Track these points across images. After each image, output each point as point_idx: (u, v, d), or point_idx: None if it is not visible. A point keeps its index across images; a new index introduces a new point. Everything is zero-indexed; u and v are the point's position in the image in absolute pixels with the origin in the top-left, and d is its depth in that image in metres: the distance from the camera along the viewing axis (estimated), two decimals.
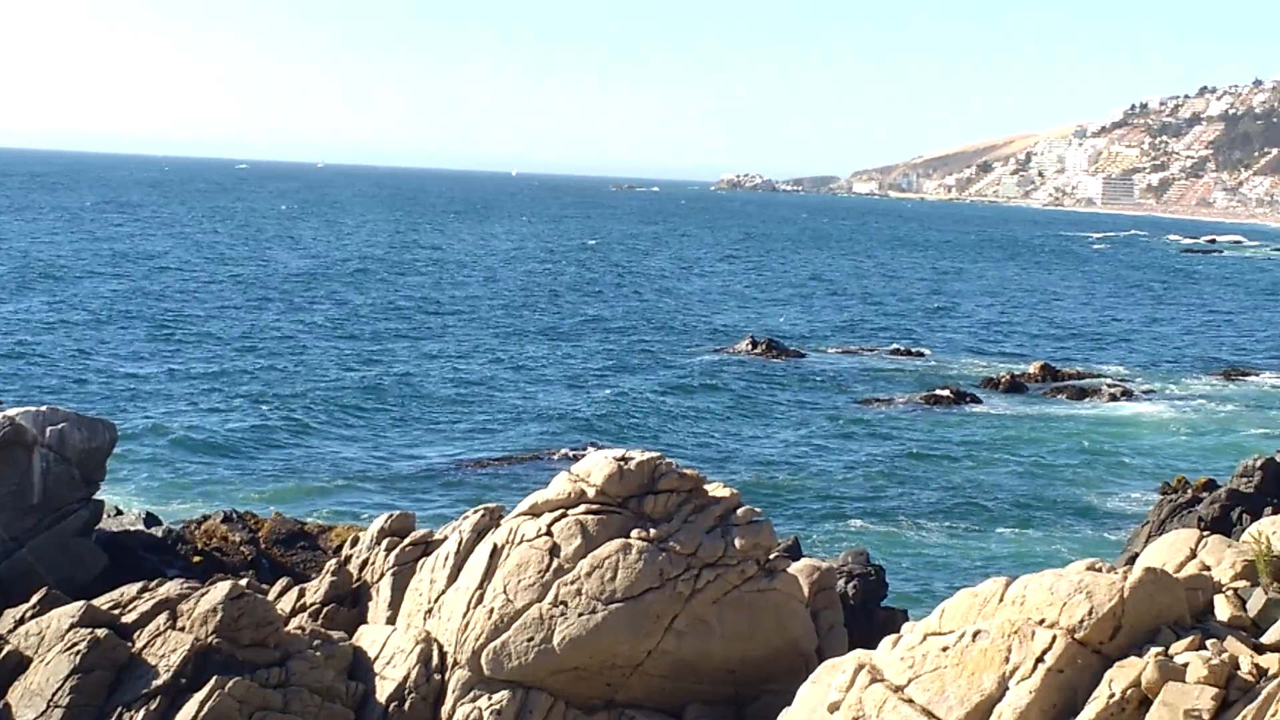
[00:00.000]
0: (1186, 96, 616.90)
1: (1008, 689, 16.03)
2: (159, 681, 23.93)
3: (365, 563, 27.90)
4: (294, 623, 26.57)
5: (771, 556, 25.86)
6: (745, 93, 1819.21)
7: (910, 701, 16.56)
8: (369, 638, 25.93)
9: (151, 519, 37.64)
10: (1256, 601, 16.98)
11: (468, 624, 24.53)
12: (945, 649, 16.72)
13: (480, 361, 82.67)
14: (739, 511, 25.53)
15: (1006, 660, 16.20)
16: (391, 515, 28.69)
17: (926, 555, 45.65)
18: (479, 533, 26.07)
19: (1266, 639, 16.20)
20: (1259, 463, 43.44)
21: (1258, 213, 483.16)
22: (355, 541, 29.11)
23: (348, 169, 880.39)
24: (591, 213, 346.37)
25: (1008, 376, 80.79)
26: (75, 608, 25.49)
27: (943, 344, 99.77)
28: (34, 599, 26.63)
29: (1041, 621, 16.34)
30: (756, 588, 24.89)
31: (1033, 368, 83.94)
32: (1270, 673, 15.26)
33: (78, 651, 24.26)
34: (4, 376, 69.40)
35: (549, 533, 24.94)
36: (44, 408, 32.99)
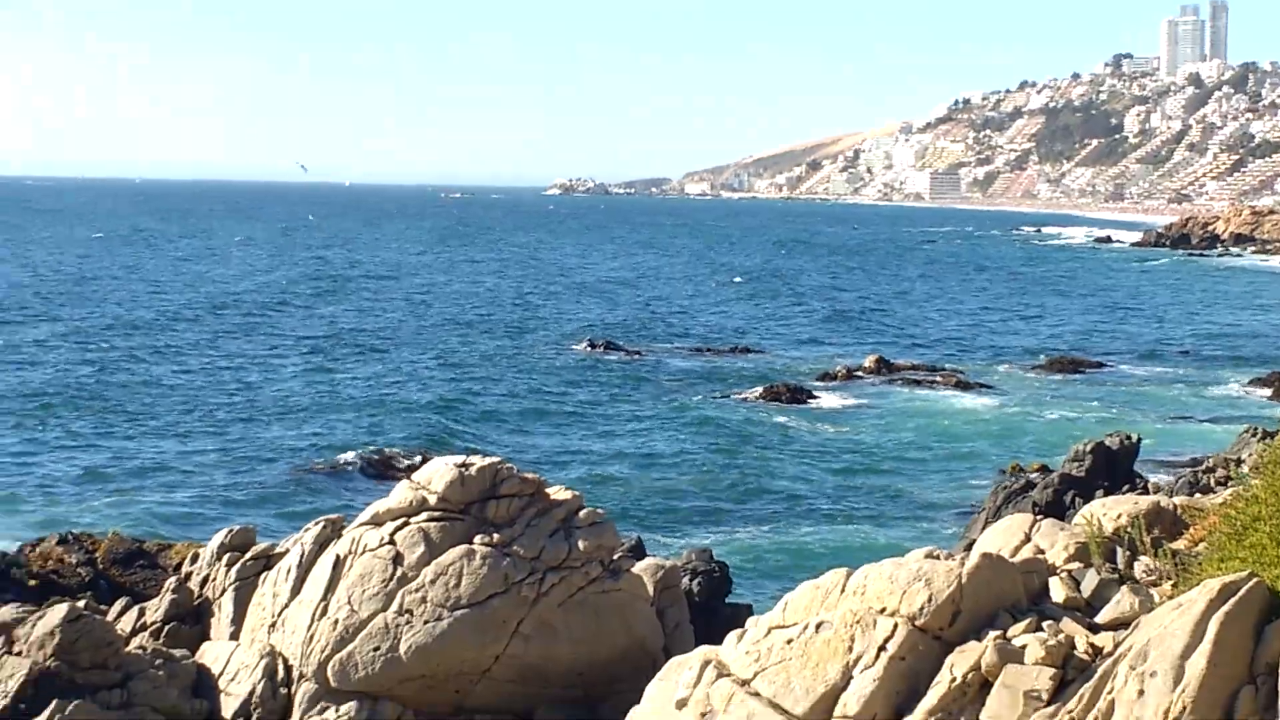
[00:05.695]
0: (1008, 91, 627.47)
1: (852, 678, 16.20)
2: None
3: (206, 579, 27.54)
4: (135, 643, 26.17)
5: (615, 557, 25.96)
6: (566, 96, 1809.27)
7: (757, 695, 16.67)
8: (212, 654, 25.62)
9: None
10: (1090, 582, 17.34)
11: (312, 636, 24.34)
12: (789, 641, 16.86)
13: (310, 370, 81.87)
14: (581, 514, 25.59)
15: (850, 650, 16.37)
16: (232, 530, 28.34)
17: (768, 549, 45.97)
18: (321, 544, 25.87)
19: (1100, 618, 16.55)
20: (1089, 447, 44.50)
21: (1080, 203, 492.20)
22: (195, 558, 28.70)
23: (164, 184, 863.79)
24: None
25: (844, 370, 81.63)
26: None
27: (780, 341, 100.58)
28: None
29: (883, 610, 16.53)
30: (601, 589, 24.95)
31: (868, 361, 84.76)
32: (1105, 651, 15.58)
33: None
34: None
35: (392, 541, 24.83)
36: None
